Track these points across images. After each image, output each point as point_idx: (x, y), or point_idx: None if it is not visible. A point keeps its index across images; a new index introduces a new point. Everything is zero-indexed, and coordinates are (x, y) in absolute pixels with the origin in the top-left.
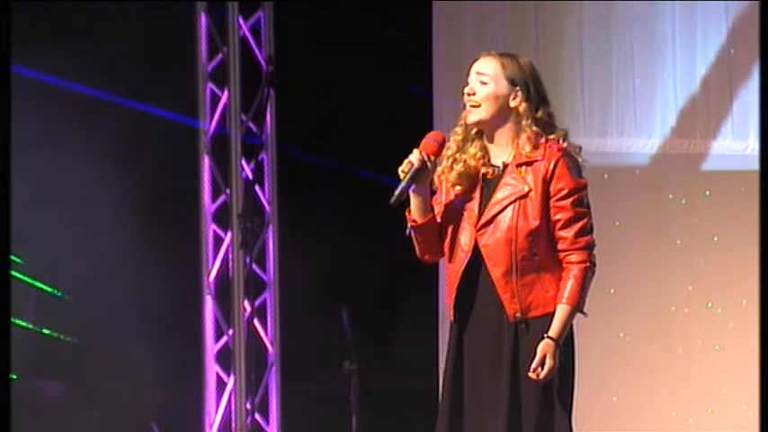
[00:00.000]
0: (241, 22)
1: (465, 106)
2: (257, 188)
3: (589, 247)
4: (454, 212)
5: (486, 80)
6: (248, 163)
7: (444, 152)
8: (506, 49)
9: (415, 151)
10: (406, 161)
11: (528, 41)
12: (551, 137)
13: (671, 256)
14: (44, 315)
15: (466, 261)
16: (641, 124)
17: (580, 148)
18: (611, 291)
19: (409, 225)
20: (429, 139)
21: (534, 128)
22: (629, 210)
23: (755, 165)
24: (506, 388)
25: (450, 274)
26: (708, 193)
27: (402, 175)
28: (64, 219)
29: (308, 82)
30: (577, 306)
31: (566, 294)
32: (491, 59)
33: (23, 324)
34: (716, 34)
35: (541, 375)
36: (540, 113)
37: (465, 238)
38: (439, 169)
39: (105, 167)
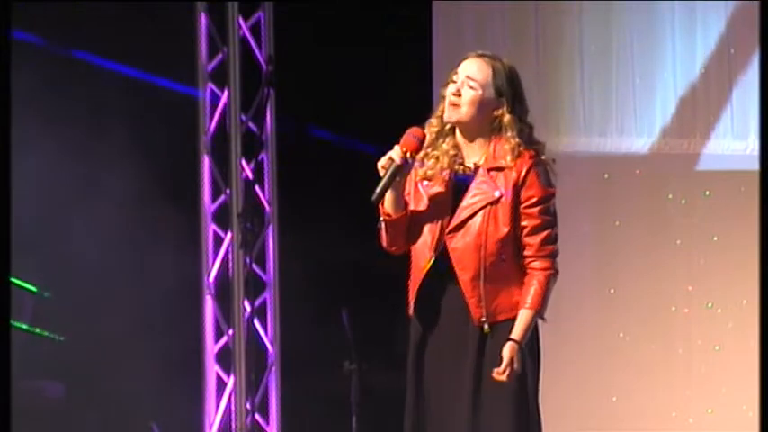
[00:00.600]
0: (241, 22)
1: (443, 99)
2: (257, 188)
3: (554, 255)
4: (423, 209)
5: (474, 86)
6: (248, 163)
7: None
8: (506, 49)
9: (396, 148)
10: (386, 157)
11: (528, 41)
12: (530, 149)
13: (671, 256)
14: (43, 315)
15: (432, 261)
16: (641, 124)
17: (553, 161)
18: (611, 291)
19: (382, 218)
20: (409, 136)
21: (517, 139)
22: (629, 210)
23: (755, 165)
24: (469, 390)
25: (414, 272)
26: (708, 193)
27: (382, 172)
28: (63, 218)
29: (308, 82)
30: (540, 311)
31: (529, 300)
32: (483, 65)
33: (18, 325)
34: (716, 34)
35: (509, 377)
36: (522, 125)
37: (433, 238)
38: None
39: (105, 167)
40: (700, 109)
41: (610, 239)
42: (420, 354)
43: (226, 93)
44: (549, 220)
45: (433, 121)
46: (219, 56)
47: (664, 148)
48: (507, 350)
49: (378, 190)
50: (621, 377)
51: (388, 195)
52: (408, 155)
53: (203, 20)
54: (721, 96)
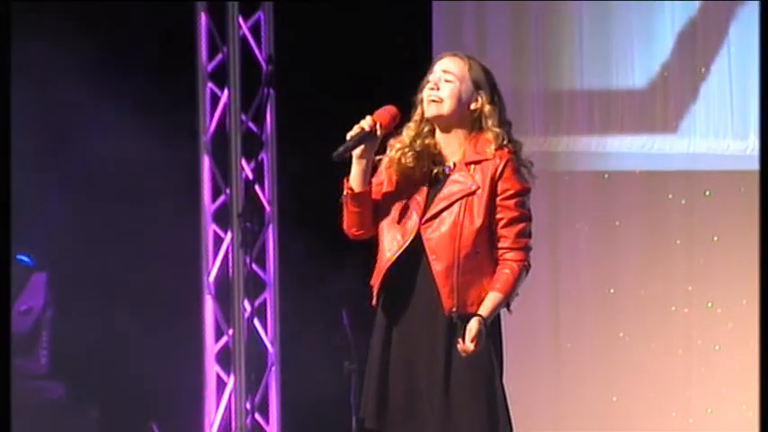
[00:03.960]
0: (241, 22)
1: (422, 100)
2: (257, 188)
3: (527, 249)
4: (396, 199)
5: (451, 78)
6: (248, 163)
7: (393, 143)
8: (506, 49)
9: (368, 117)
10: (356, 127)
11: (528, 41)
12: (509, 144)
13: (670, 256)
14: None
15: (401, 250)
16: (641, 124)
17: (531, 163)
18: (611, 291)
19: (345, 192)
20: (383, 110)
21: (499, 129)
22: (629, 210)
23: (755, 165)
24: (441, 380)
25: (380, 260)
26: (708, 193)
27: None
28: (62, 217)
29: (307, 82)
30: (508, 297)
31: (499, 285)
32: (458, 60)
33: None
34: (716, 33)
35: (471, 350)
36: (502, 118)
37: (406, 228)
38: (386, 160)
39: (104, 166)
40: (700, 109)
41: (609, 239)
42: (387, 342)
43: (226, 93)
44: (525, 214)
45: (411, 125)
46: (219, 56)
47: (664, 148)
48: (475, 322)
49: (340, 149)
50: (621, 377)
51: (354, 167)
52: (378, 126)
53: (203, 20)
54: (721, 96)
